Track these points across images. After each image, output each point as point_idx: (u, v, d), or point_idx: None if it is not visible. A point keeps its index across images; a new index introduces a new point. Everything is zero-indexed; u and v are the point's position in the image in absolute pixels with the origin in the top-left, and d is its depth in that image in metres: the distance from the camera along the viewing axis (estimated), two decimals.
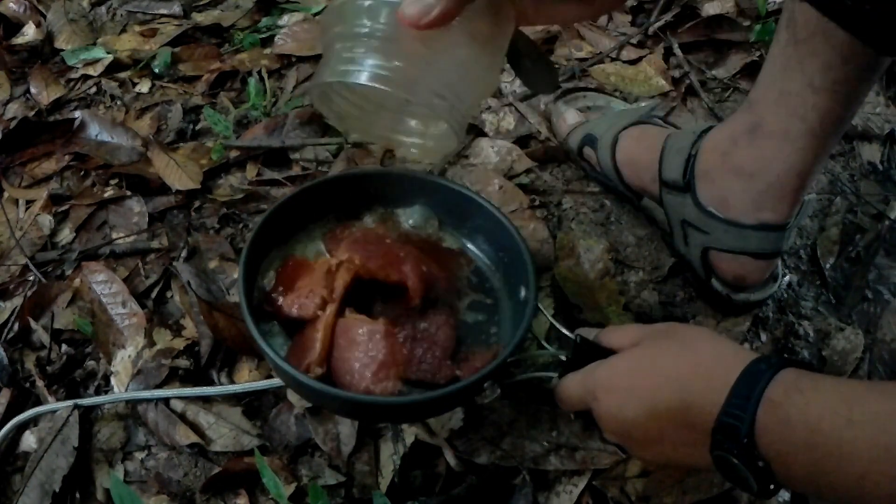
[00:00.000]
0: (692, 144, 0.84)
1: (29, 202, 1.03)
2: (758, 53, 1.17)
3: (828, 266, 0.94)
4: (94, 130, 1.09)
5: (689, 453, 0.56)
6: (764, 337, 0.88)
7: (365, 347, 0.67)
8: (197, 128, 1.11)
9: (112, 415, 0.82)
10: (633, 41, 1.21)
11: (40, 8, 1.31)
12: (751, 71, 1.15)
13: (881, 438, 0.46)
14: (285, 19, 1.27)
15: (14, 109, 1.15)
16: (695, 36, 1.20)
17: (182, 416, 0.80)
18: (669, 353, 0.58)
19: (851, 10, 0.66)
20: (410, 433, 0.77)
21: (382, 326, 0.67)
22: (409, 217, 0.80)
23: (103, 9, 1.33)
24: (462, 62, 0.54)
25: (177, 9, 1.30)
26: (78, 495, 0.77)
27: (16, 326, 0.89)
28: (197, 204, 1.01)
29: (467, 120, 0.57)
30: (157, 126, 1.12)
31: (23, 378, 0.85)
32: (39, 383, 0.83)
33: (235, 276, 0.91)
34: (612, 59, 1.18)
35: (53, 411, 0.80)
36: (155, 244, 0.96)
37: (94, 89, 1.18)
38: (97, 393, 0.84)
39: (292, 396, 0.80)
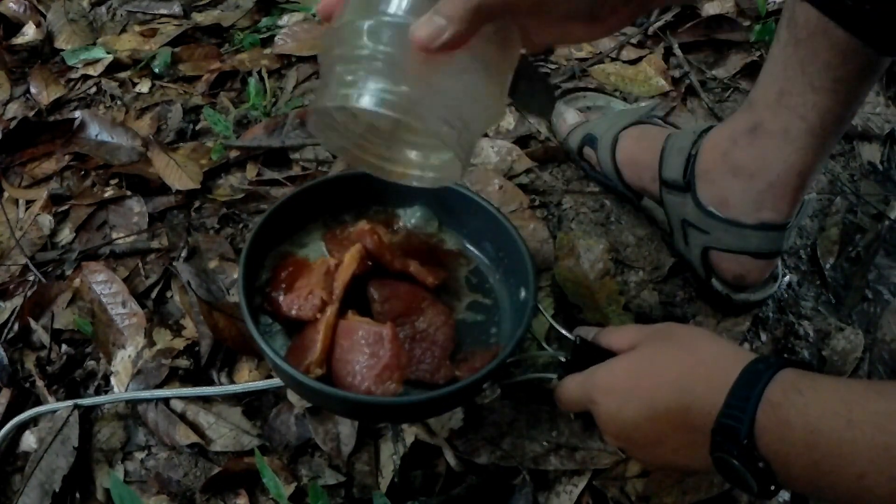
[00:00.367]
0: (692, 144, 0.84)
1: (29, 202, 1.03)
2: (758, 53, 1.17)
3: (828, 266, 0.94)
4: (94, 130, 1.09)
5: (688, 456, 0.56)
6: (764, 337, 0.88)
7: (369, 350, 0.67)
8: (197, 128, 1.11)
9: (112, 415, 0.82)
10: (633, 41, 1.21)
11: (40, 8, 1.31)
12: (751, 71, 1.15)
13: (880, 438, 0.46)
14: (285, 19, 1.27)
15: (14, 109, 1.15)
16: (695, 36, 1.20)
17: (182, 416, 0.80)
18: (668, 354, 0.58)
19: (852, 10, 0.66)
20: (410, 433, 0.77)
21: (389, 330, 0.67)
22: (410, 217, 0.80)
23: (103, 9, 1.33)
24: (470, 88, 0.51)
25: (177, 9, 1.29)
26: (78, 495, 0.77)
27: (16, 326, 0.89)
28: (197, 204, 1.01)
29: (473, 150, 0.54)
30: (157, 126, 1.12)
31: (23, 378, 0.85)
32: (39, 383, 0.83)
33: (235, 276, 0.91)
34: (612, 59, 1.18)
35: (53, 411, 0.80)
36: (155, 244, 0.96)
37: (94, 89, 1.18)
38: (97, 393, 0.84)
39: (292, 396, 0.80)
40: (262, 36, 1.23)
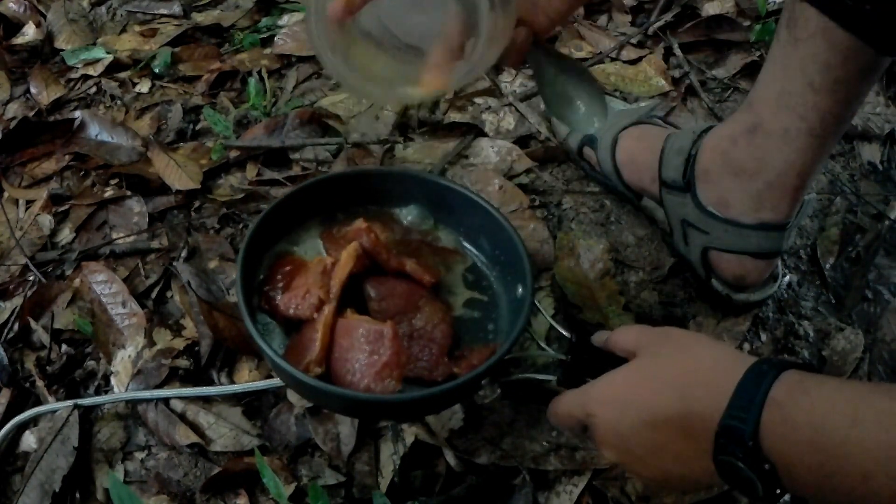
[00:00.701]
0: (692, 144, 0.84)
1: (29, 202, 1.03)
2: (758, 53, 1.17)
3: (828, 266, 0.94)
4: (94, 130, 1.09)
5: (690, 464, 0.54)
6: (764, 337, 0.87)
7: (370, 348, 0.67)
8: (197, 128, 1.11)
9: (112, 415, 0.82)
10: (633, 41, 1.21)
11: (40, 8, 1.30)
12: (751, 71, 1.15)
13: (886, 438, 0.45)
14: (285, 19, 1.27)
15: (14, 109, 1.15)
16: (695, 36, 1.20)
17: (182, 416, 0.80)
18: (667, 360, 0.57)
19: (852, 10, 0.66)
20: (410, 433, 0.77)
21: (390, 328, 0.67)
22: (406, 216, 0.80)
23: (103, 9, 1.33)
24: None
25: (177, 9, 1.29)
26: (78, 495, 0.77)
27: (16, 326, 0.89)
28: (197, 204, 1.01)
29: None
30: (157, 126, 1.12)
31: (23, 378, 0.85)
32: (39, 383, 0.83)
33: (235, 275, 0.91)
34: (612, 59, 1.18)
35: (53, 411, 0.80)
36: (155, 244, 0.96)
37: (94, 89, 1.18)
38: (97, 393, 0.84)
39: (292, 396, 0.80)
40: (262, 36, 1.23)
